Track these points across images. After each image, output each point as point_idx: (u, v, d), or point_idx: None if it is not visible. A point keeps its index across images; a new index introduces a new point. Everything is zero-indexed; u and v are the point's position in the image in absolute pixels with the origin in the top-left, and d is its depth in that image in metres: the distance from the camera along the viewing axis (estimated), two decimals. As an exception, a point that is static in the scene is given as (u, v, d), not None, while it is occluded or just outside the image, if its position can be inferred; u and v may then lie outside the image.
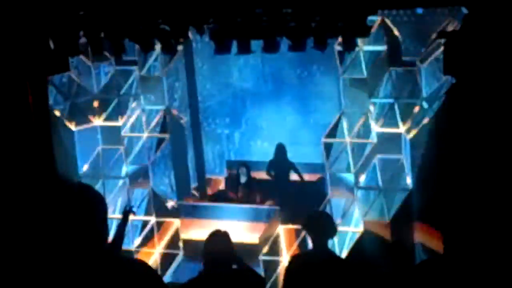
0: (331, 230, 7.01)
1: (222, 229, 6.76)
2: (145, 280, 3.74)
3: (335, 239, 10.95)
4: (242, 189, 12.19)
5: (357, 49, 10.48)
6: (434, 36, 10.10)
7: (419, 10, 9.99)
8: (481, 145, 9.28)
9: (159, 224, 12.09)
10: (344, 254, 10.79)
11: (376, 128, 10.87)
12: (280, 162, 12.59)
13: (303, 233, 7.94)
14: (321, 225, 6.94)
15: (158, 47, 11.11)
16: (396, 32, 10.48)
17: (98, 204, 3.78)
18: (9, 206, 10.56)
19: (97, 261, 3.71)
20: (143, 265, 3.88)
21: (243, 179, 12.13)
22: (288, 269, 7.04)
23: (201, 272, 6.47)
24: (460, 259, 5.17)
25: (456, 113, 9.56)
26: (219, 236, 6.62)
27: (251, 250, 10.70)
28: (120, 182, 12.36)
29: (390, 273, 10.34)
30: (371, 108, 10.90)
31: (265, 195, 12.08)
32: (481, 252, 5.16)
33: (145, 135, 12.21)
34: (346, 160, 11.11)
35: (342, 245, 10.98)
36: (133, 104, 12.32)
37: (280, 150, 12.55)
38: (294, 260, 7.20)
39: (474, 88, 9.27)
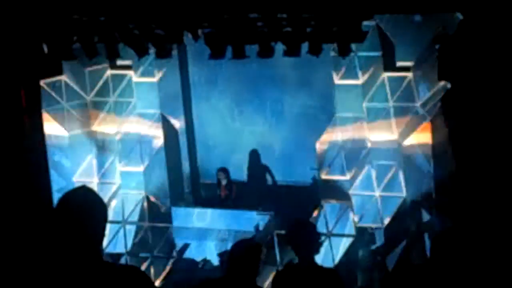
0: (315, 241, 6.66)
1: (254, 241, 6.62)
2: (139, 285, 3.73)
3: (329, 244, 10.97)
4: (224, 189, 12.38)
5: (352, 54, 10.48)
6: (429, 41, 10.09)
7: (417, 18, 9.98)
8: (477, 150, 9.28)
9: (153, 229, 12.06)
10: (337, 259, 10.78)
11: (370, 133, 10.86)
12: (255, 166, 12.83)
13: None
14: (303, 236, 6.57)
15: (152, 51, 11.10)
16: (390, 38, 10.47)
17: (99, 208, 3.78)
18: (3, 209, 10.55)
19: (93, 265, 3.69)
20: (136, 270, 3.87)
21: (224, 182, 12.37)
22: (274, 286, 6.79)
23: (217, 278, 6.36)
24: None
25: (452, 119, 9.57)
26: (245, 245, 6.46)
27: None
28: (114, 187, 12.32)
29: (384, 278, 10.34)
30: (366, 113, 10.89)
31: (245, 194, 12.34)
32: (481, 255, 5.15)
33: (139, 139, 12.17)
34: (340, 166, 11.09)
35: (336, 250, 10.96)
36: (127, 109, 12.29)
37: (253, 155, 12.81)
38: (279, 276, 6.85)
39: (469, 93, 9.27)
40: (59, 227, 3.73)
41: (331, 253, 10.84)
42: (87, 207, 3.72)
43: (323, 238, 6.91)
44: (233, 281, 6.22)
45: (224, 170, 12.44)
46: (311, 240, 6.61)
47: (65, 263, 3.69)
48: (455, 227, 6.68)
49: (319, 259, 9.97)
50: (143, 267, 11.28)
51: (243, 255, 6.25)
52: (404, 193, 10.72)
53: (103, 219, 3.79)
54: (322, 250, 10.93)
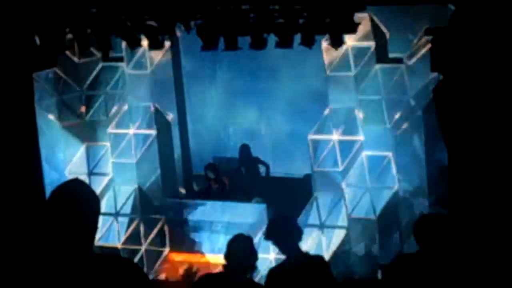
0: (296, 232, 6.67)
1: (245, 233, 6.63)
2: (132, 277, 3.73)
3: (322, 236, 10.99)
4: (214, 183, 12.45)
5: (344, 46, 10.47)
6: (421, 33, 10.09)
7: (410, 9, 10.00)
8: (470, 142, 9.29)
9: (145, 221, 12.05)
10: (330, 252, 10.79)
11: (363, 125, 10.86)
12: (247, 158, 12.95)
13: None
14: (285, 230, 6.61)
15: (145, 43, 11.08)
16: (383, 29, 10.47)
17: (92, 200, 3.78)
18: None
19: (85, 258, 3.69)
20: (129, 262, 3.87)
21: (212, 177, 12.47)
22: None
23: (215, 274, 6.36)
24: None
25: (444, 110, 9.56)
26: (241, 241, 6.46)
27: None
28: (106, 179, 12.31)
29: (375, 271, 10.36)
30: (358, 105, 10.89)
31: (238, 187, 12.44)
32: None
33: (131, 131, 12.15)
34: (333, 157, 11.09)
35: (328, 242, 10.97)
36: (119, 101, 12.27)
37: (245, 147, 12.93)
38: (272, 274, 6.80)
39: (462, 85, 9.28)
40: (51, 220, 3.73)
41: (323, 245, 10.86)
42: (79, 199, 3.73)
43: (301, 227, 6.85)
44: (229, 276, 6.23)
45: (211, 167, 12.52)
46: (288, 234, 6.61)
47: (58, 256, 3.69)
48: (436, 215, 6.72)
49: (312, 251, 10.06)
50: (135, 260, 11.28)
51: (239, 251, 6.28)
52: (396, 185, 10.72)
53: (96, 212, 3.80)
54: (314, 241, 10.98)
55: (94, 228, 3.78)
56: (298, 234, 6.69)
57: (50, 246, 3.71)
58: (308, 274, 6.43)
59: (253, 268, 6.44)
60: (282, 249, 6.66)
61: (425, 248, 5.91)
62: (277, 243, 6.64)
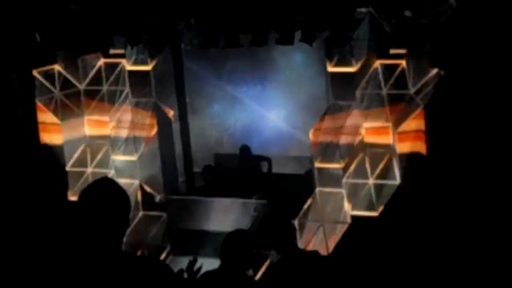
0: (290, 229, 6.62)
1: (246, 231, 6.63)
2: (161, 278, 3.76)
3: (325, 231, 10.99)
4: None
5: (345, 42, 10.46)
6: (422, 28, 10.07)
7: (407, 13, 9.96)
8: (471, 137, 9.30)
9: (147, 218, 12.06)
10: (331, 247, 10.79)
11: (364, 121, 10.85)
12: (247, 155, 13.04)
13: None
14: (278, 228, 6.54)
15: (145, 40, 11.07)
16: (384, 25, 10.45)
17: (121, 199, 3.78)
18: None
19: (116, 256, 3.70)
20: (160, 264, 3.92)
21: (209, 178, 12.73)
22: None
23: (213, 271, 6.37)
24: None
25: (445, 105, 9.57)
26: (238, 237, 6.46)
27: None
28: (108, 176, 12.30)
29: (378, 266, 10.36)
30: (359, 100, 10.88)
31: (239, 183, 12.51)
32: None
33: (132, 128, 12.15)
34: (334, 154, 11.08)
35: (330, 238, 10.97)
36: (120, 97, 12.27)
37: (244, 146, 13.02)
38: (268, 272, 6.85)
39: (462, 81, 9.28)
40: (81, 218, 3.73)
41: (324, 241, 10.86)
42: (110, 198, 3.75)
43: (294, 225, 6.83)
44: (226, 272, 6.22)
45: (207, 170, 12.72)
46: (281, 232, 6.56)
47: (88, 254, 3.70)
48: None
49: (314, 247, 10.07)
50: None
51: (236, 247, 6.26)
52: (398, 181, 10.71)
53: (126, 210, 3.80)
54: (316, 238, 10.98)
55: (124, 226, 3.79)
56: (291, 232, 6.65)
57: (80, 244, 3.71)
58: (304, 271, 6.42)
59: (252, 264, 6.44)
60: (276, 247, 6.64)
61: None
62: (270, 241, 6.60)
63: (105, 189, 3.78)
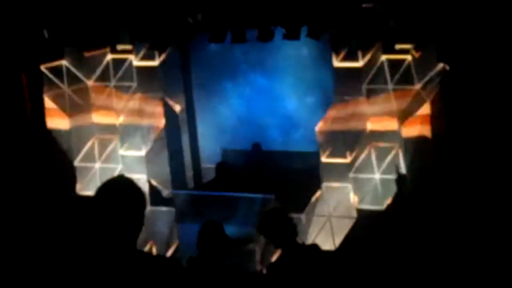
0: (289, 225, 6.57)
1: (216, 220, 6.70)
2: (175, 277, 3.80)
3: (330, 226, 11.01)
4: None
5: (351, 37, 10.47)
6: (428, 23, 10.07)
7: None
8: (476, 133, 9.29)
9: (155, 213, 12.09)
10: (338, 242, 10.81)
11: (370, 116, 10.87)
12: (255, 151, 13.14)
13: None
14: (277, 224, 6.53)
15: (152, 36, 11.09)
16: (389, 20, 10.45)
17: (137, 197, 3.81)
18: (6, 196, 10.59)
19: (130, 254, 3.71)
20: (175, 262, 3.97)
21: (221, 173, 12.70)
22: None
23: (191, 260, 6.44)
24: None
25: (451, 101, 9.57)
26: (213, 227, 6.56)
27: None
28: (116, 171, 12.34)
29: (384, 261, 10.37)
30: (366, 95, 10.90)
31: (246, 178, 12.49)
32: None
33: (140, 123, 12.18)
34: (340, 148, 11.10)
35: (336, 232, 10.99)
36: (128, 93, 12.30)
37: (251, 145, 13.11)
38: (270, 269, 6.74)
39: (468, 75, 9.27)
40: (98, 216, 3.76)
41: (331, 236, 10.88)
42: (126, 196, 3.77)
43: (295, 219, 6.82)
44: (203, 262, 6.32)
45: (221, 166, 12.63)
46: (280, 228, 6.56)
47: (103, 252, 3.74)
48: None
49: (319, 241, 10.09)
50: (145, 250, 11.32)
51: (208, 236, 6.39)
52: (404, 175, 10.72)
53: (141, 208, 3.82)
54: (323, 232, 11.01)
55: (139, 224, 3.81)
56: (291, 227, 6.61)
57: (96, 241, 3.72)
58: (304, 266, 6.44)
59: (227, 254, 6.51)
60: (275, 243, 6.65)
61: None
62: (269, 237, 6.62)
63: (122, 187, 3.79)
